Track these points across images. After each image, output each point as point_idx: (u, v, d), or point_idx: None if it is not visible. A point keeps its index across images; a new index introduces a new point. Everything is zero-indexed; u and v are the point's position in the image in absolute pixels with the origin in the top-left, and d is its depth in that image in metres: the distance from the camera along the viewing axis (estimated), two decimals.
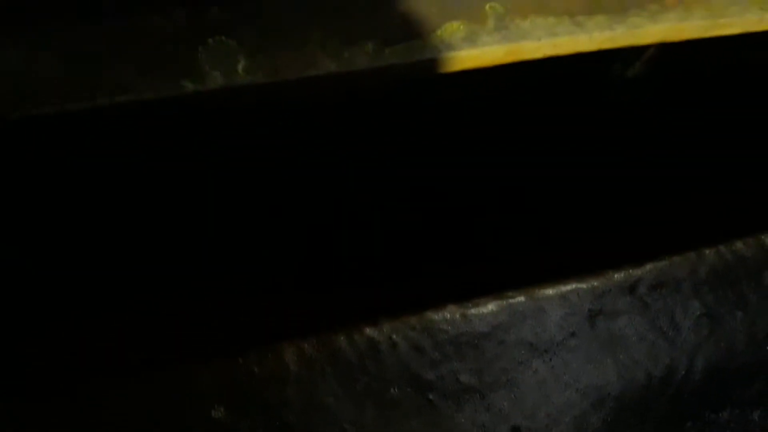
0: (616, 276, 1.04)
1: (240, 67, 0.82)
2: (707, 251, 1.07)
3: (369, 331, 0.95)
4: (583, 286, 1.03)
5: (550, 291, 1.01)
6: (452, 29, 0.87)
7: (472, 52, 0.87)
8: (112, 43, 0.81)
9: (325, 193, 1.21)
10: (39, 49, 0.79)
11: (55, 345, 0.97)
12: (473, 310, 0.98)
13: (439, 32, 0.87)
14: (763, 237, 1.10)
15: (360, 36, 0.85)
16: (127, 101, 0.79)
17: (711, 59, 1.25)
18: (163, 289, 1.04)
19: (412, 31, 0.86)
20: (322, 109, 1.14)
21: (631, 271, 1.05)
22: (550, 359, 1.01)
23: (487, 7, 0.89)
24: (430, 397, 0.97)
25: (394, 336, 0.95)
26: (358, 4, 0.87)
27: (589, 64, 1.07)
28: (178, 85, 0.81)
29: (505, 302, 1.00)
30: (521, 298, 1.01)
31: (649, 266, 1.05)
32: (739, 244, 1.08)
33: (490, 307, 0.99)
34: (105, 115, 0.80)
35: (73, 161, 1.07)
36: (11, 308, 1.01)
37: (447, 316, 0.98)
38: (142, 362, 0.93)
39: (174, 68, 0.81)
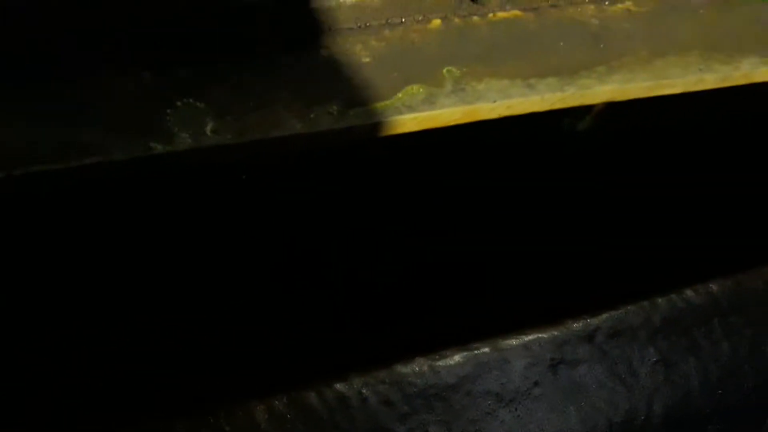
0: (574, 325, 1.07)
1: (208, 128, 0.84)
2: (660, 300, 1.11)
3: (339, 386, 0.95)
4: (544, 335, 1.05)
5: (513, 341, 1.04)
6: (412, 92, 0.91)
7: (432, 113, 0.91)
8: (81, 105, 0.82)
9: (294, 252, 1.22)
10: (7, 110, 0.80)
11: (26, 396, 0.95)
12: (440, 362, 1.00)
13: (400, 95, 0.90)
14: (711, 285, 1.14)
15: (325, 98, 0.88)
16: (96, 162, 0.80)
17: (657, 115, 1.32)
18: (132, 348, 1.03)
19: (374, 93, 0.90)
20: (287, 172, 1.16)
21: (588, 320, 1.08)
22: (516, 409, 1.02)
23: (445, 71, 0.93)
24: None
25: (364, 390, 0.96)
26: (323, 67, 0.90)
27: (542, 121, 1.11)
28: (148, 147, 0.82)
29: (470, 353, 1.01)
30: (486, 349, 1.03)
31: (605, 315, 1.09)
32: (689, 293, 1.13)
33: (457, 358, 1.01)
34: (75, 176, 0.80)
35: (44, 222, 1.06)
36: None
37: (415, 368, 0.99)
38: (110, 420, 0.91)
39: (143, 129, 0.82)
